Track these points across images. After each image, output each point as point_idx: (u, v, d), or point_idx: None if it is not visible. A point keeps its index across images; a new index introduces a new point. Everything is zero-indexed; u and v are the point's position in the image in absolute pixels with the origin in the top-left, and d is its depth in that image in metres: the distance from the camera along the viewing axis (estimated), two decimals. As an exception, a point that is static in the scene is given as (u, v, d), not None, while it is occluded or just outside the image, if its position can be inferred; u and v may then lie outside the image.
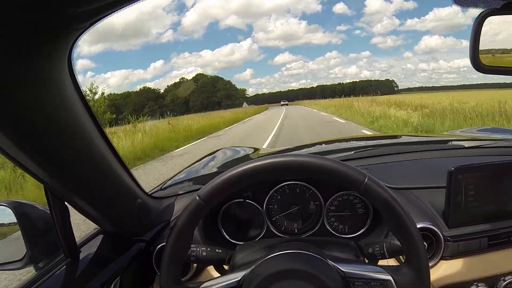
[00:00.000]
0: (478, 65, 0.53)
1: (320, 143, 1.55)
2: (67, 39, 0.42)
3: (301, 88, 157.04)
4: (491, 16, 0.54)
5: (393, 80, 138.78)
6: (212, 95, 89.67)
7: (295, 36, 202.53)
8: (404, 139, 1.57)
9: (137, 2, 0.41)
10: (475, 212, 0.69)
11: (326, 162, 0.48)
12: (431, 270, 0.66)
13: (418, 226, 0.64)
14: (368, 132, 7.85)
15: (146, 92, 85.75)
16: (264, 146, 7.04)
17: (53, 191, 0.55)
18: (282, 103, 72.35)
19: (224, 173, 0.49)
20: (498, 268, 0.69)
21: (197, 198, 0.49)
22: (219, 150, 1.45)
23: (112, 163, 0.59)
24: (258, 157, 0.50)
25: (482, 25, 0.53)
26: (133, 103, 73.33)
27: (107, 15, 0.42)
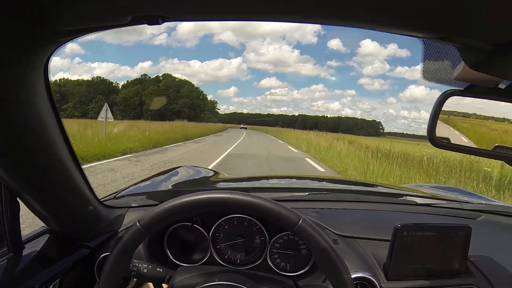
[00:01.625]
0: (434, 140, 0.56)
1: (277, 177, 1.58)
2: (45, 50, 0.45)
3: (282, 114, 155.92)
4: (453, 96, 0.57)
5: (380, 122, 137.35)
6: (173, 101, 73.68)
7: (285, 63, 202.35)
8: (359, 186, 1.62)
9: (117, 29, 0.43)
10: (415, 268, 0.73)
11: (263, 202, 0.50)
12: None
13: (356, 275, 0.68)
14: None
15: (100, 84, 69.79)
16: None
17: (6, 184, 0.55)
18: (241, 126, 68.77)
19: (165, 203, 0.51)
20: None
21: (137, 224, 0.50)
22: (180, 167, 1.46)
23: (69, 165, 0.59)
24: (212, 182, 0.52)
25: (443, 103, 0.57)
26: (80, 93, 62.68)
27: (88, 34, 0.45)
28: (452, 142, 0.58)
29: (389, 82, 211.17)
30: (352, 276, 0.66)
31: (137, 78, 78.33)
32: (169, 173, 1.33)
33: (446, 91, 0.57)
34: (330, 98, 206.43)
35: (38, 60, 0.45)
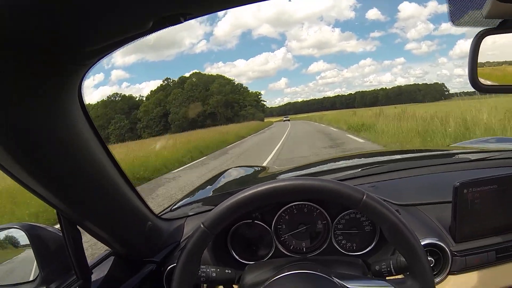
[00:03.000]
0: (476, 84, 0.54)
1: (327, 161, 1.55)
2: (77, 74, 0.45)
3: (338, 95, 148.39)
4: (488, 35, 0.55)
5: (443, 84, 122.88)
6: (203, 102, 59.09)
7: (328, 44, 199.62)
8: (410, 154, 1.57)
9: (141, 39, 0.44)
10: (482, 226, 0.69)
11: (324, 184, 0.49)
12: (439, 285, 0.66)
13: (424, 242, 0.65)
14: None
15: (119, 101, 57.71)
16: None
17: (65, 215, 0.57)
18: (284, 119, 62.09)
19: (226, 201, 0.51)
20: (507, 281, 0.68)
21: (202, 226, 0.51)
22: (228, 169, 1.47)
23: (121, 186, 0.60)
24: (265, 177, 0.52)
25: (479, 45, 0.54)
26: (96, 117, 48.00)
27: (114, 51, 0.45)
28: (497, 83, 0.55)
29: (436, 42, 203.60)
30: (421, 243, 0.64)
31: (160, 85, 64.12)
32: (219, 177, 1.35)
33: (479, 32, 0.54)
34: (380, 70, 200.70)
35: (70, 87, 0.46)
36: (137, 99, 62.33)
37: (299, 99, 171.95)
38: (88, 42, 0.41)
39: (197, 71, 67.53)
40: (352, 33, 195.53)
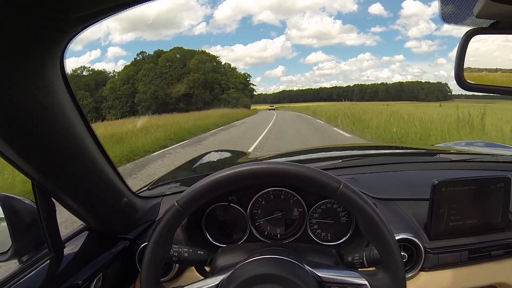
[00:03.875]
0: (462, 82, 0.54)
1: (309, 151, 1.56)
2: (59, 42, 0.43)
3: (335, 87, 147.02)
4: (477, 34, 0.54)
5: (446, 84, 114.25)
6: (176, 80, 47.67)
7: (329, 35, 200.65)
8: (392, 150, 1.59)
9: (134, 7, 0.42)
10: (457, 225, 0.70)
11: (302, 169, 0.49)
12: (410, 281, 0.67)
13: (399, 237, 0.66)
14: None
15: (84, 76, 48.97)
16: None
17: (40, 186, 0.56)
18: (269, 107, 58.31)
19: (201, 180, 0.50)
20: (477, 282, 0.70)
21: (176, 204, 0.50)
22: (209, 152, 1.46)
23: (100, 161, 0.60)
24: (245, 162, 0.51)
25: (468, 43, 0.54)
26: None
27: (100, 20, 0.43)
28: (482, 83, 0.55)
29: (437, 42, 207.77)
30: (396, 238, 0.65)
31: (134, 59, 52.70)
32: (200, 159, 1.34)
33: (469, 30, 0.54)
34: (379, 66, 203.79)
35: (53, 54, 0.44)
36: (110, 75, 52.08)
37: (295, 88, 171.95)
38: (75, 7, 0.39)
39: (179, 47, 53.94)
40: (353, 26, 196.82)
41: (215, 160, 1.39)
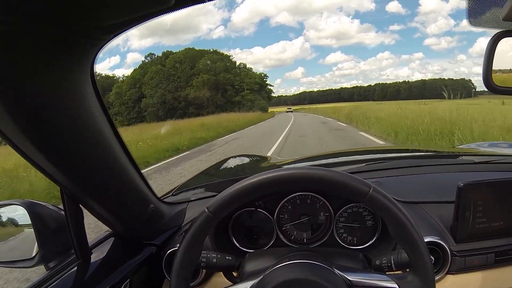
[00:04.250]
0: (490, 85, 0.54)
1: (331, 155, 1.55)
2: (91, 50, 0.44)
3: (356, 86, 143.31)
4: (506, 37, 0.54)
5: (469, 80, 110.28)
6: (185, 83, 44.17)
7: (347, 35, 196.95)
8: (415, 152, 1.58)
9: (161, 16, 0.43)
10: (483, 228, 0.69)
11: (331, 174, 0.49)
12: (438, 284, 0.66)
13: (425, 240, 0.65)
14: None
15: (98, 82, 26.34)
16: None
17: (68, 193, 0.56)
18: (287, 109, 57.21)
19: (232, 187, 0.50)
20: (504, 284, 0.69)
21: (206, 211, 0.51)
22: (230, 157, 1.47)
23: (127, 167, 0.60)
24: (268, 166, 0.51)
25: (496, 46, 0.54)
26: None
27: (132, 27, 0.44)
28: (510, 85, 0.55)
29: (456, 38, 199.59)
30: None
31: (142, 62, 49.10)
32: (223, 164, 1.34)
33: (497, 33, 0.54)
34: (398, 64, 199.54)
35: (84, 61, 0.45)
36: (119, 79, 48.33)
37: (315, 89, 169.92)
38: (107, 16, 0.40)
39: (191, 47, 50.41)
40: (371, 25, 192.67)
41: (238, 165, 1.39)
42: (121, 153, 0.58)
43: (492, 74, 0.55)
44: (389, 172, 0.92)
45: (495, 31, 0.55)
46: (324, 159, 1.39)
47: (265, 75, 55.80)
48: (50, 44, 0.38)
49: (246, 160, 1.47)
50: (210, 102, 43.13)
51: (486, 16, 0.54)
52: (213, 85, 44.70)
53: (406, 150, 1.82)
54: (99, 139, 0.52)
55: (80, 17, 0.38)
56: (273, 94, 65.29)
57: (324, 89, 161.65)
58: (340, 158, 1.40)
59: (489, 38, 0.54)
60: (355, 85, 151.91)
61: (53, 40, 0.38)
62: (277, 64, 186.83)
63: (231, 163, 1.38)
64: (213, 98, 44.09)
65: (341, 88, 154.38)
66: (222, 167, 1.32)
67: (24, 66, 0.38)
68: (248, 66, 54.52)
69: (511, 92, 0.55)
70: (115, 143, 0.56)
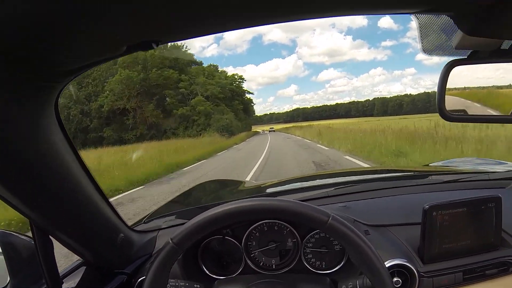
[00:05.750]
0: (444, 114, 0.55)
1: (303, 178, 1.58)
2: (54, 90, 0.47)
3: (354, 101, 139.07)
4: (458, 65, 0.56)
5: None
6: (102, 88, 28.10)
7: (339, 52, 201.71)
8: (384, 173, 1.61)
9: (115, 58, 0.45)
10: (450, 247, 0.71)
11: (292, 205, 0.50)
12: None
13: (392, 263, 0.66)
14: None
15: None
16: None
17: (37, 225, 0.57)
18: (269, 129, 48.07)
19: (194, 218, 0.52)
20: None
21: (170, 242, 0.52)
22: (204, 182, 1.48)
23: (95, 198, 0.61)
24: (240, 191, 0.52)
25: (448, 75, 0.56)
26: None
27: (88, 69, 0.47)
28: (464, 113, 0.57)
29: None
30: (389, 264, 0.66)
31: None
32: (196, 190, 1.35)
33: (449, 62, 0.56)
34: (390, 80, 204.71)
35: (47, 102, 0.47)
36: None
37: (309, 106, 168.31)
38: (63, 63, 0.42)
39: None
40: (363, 41, 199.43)
41: (210, 191, 1.40)
42: (88, 184, 0.59)
43: (446, 97, 0.57)
44: (357, 195, 0.94)
45: (448, 59, 0.57)
46: (297, 182, 1.42)
47: (240, 77, 39.19)
48: (16, 83, 0.40)
49: (219, 185, 1.48)
50: (137, 117, 27.00)
51: (439, 46, 0.57)
52: (140, 90, 27.60)
53: (377, 171, 1.85)
54: (66, 172, 0.53)
55: (41, 62, 0.40)
56: (252, 104, 47.78)
57: (318, 105, 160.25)
58: (311, 182, 1.42)
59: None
60: (352, 100, 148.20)
61: (19, 80, 0.40)
62: (270, 81, 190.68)
63: (204, 189, 1.39)
64: (141, 111, 27.79)
65: (337, 104, 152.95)
66: (194, 193, 1.33)
67: None
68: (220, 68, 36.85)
69: (462, 120, 0.56)
70: (82, 174, 0.57)
